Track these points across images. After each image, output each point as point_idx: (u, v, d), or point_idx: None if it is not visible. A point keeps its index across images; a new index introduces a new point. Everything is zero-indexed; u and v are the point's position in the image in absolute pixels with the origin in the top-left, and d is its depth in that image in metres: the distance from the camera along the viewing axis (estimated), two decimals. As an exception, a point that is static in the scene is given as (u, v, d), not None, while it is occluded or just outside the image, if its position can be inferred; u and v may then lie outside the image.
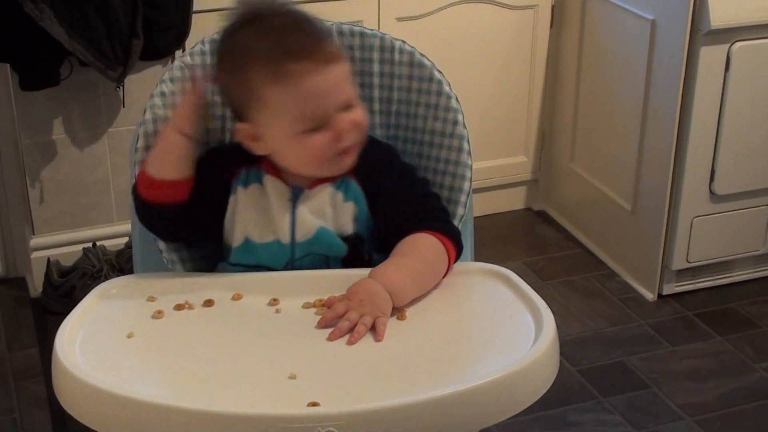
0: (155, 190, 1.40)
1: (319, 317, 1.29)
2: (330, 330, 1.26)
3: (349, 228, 1.42)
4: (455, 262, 1.41)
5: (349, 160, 1.39)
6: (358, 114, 1.38)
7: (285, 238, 1.40)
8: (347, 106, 1.36)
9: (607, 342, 2.43)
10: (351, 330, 1.25)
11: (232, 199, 1.43)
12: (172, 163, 1.40)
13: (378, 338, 1.25)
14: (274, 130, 1.37)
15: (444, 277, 1.39)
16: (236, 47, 1.37)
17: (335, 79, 1.35)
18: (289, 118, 1.35)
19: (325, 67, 1.34)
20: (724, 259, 2.62)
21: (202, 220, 1.42)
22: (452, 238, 1.40)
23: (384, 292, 1.29)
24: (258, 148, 1.40)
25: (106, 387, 1.13)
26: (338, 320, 1.27)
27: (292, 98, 1.33)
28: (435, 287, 1.37)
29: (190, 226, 1.43)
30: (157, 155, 1.41)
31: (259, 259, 1.41)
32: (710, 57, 2.37)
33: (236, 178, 1.43)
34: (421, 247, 1.38)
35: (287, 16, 1.38)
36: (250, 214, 1.42)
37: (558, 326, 1.25)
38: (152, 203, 1.41)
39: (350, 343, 1.24)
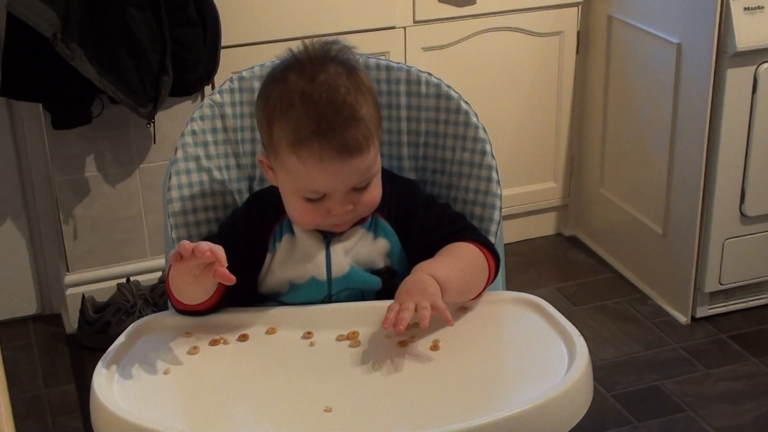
0: (187, 308, 1.39)
1: (353, 349, 1.30)
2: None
3: (380, 263, 1.44)
4: (496, 272, 1.43)
5: (339, 228, 1.41)
6: (367, 196, 1.39)
7: (321, 275, 1.42)
8: (358, 189, 1.38)
9: (641, 366, 2.42)
10: (411, 317, 1.26)
11: (269, 257, 1.45)
12: (199, 295, 1.37)
13: (445, 316, 1.26)
14: (280, 177, 1.40)
15: (487, 284, 1.41)
16: (272, 97, 1.37)
17: (351, 171, 1.35)
18: (293, 181, 1.37)
19: (345, 158, 1.33)
20: (757, 280, 2.60)
21: (240, 286, 1.37)
22: (488, 247, 1.43)
23: (430, 278, 1.31)
24: (271, 179, 1.43)
25: (144, 423, 1.14)
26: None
27: (301, 171, 1.35)
28: (469, 309, 1.38)
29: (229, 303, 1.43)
30: (181, 288, 1.36)
31: (300, 297, 1.43)
32: (737, 79, 2.37)
33: (272, 237, 1.45)
34: (461, 250, 1.40)
35: (329, 82, 1.35)
36: (289, 262, 1.44)
37: (591, 351, 1.25)
38: (188, 313, 1.41)
39: (424, 325, 1.25)
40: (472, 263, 1.40)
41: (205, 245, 1.26)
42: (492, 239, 1.50)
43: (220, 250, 1.27)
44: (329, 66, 1.37)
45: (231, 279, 1.27)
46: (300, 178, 1.36)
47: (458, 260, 1.38)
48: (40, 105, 2.42)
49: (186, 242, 1.26)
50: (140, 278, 2.58)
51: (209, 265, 1.28)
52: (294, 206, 1.40)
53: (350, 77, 1.37)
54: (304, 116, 1.33)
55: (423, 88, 1.56)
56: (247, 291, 1.32)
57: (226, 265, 1.27)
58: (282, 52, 1.42)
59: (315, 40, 1.41)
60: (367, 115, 1.36)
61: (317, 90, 1.34)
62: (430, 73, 1.57)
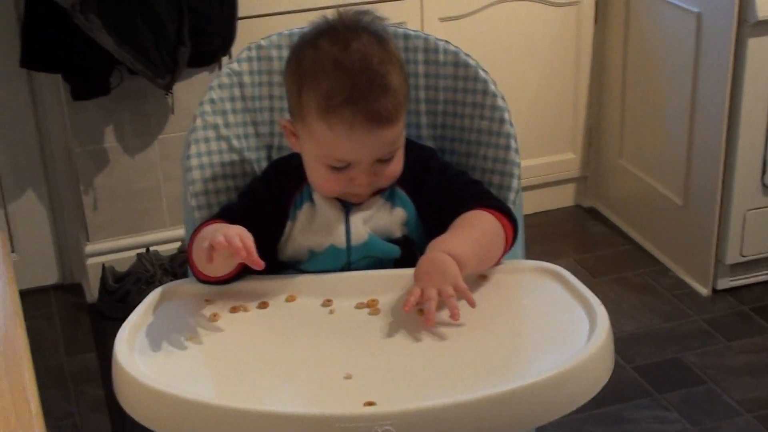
0: (208, 279, 1.39)
1: (372, 317, 1.30)
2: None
3: (398, 232, 1.44)
4: (514, 237, 1.41)
5: (358, 198, 1.41)
6: (390, 168, 1.39)
7: (341, 243, 1.42)
8: (382, 160, 1.38)
9: (662, 338, 2.41)
10: (437, 305, 1.25)
11: (289, 225, 1.45)
12: (222, 270, 1.36)
13: (453, 318, 1.26)
14: (305, 145, 1.40)
15: (506, 250, 1.40)
16: (304, 62, 1.36)
17: (378, 141, 1.35)
18: (319, 148, 1.37)
19: (375, 128, 1.33)
20: (778, 252, 2.59)
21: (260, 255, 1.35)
22: (505, 212, 1.41)
23: (447, 257, 1.30)
24: (294, 145, 1.43)
25: (166, 389, 1.15)
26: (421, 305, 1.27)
27: (329, 138, 1.34)
28: (489, 279, 1.38)
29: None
30: (206, 264, 1.32)
31: (320, 266, 1.43)
32: (758, 48, 2.35)
33: (292, 205, 1.45)
34: (475, 219, 1.39)
35: (362, 50, 1.34)
36: (309, 230, 1.44)
37: (611, 323, 1.25)
38: (210, 283, 1.40)
39: (455, 318, 1.25)
40: (488, 232, 1.38)
41: (238, 240, 1.26)
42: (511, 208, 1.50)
43: (250, 240, 1.28)
44: (362, 34, 1.36)
45: (260, 265, 1.28)
46: (327, 146, 1.35)
47: (473, 231, 1.37)
48: (60, 76, 2.42)
49: (221, 239, 1.25)
50: (159, 248, 2.60)
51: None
52: (317, 174, 1.40)
53: (382, 47, 1.36)
54: (337, 83, 1.32)
55: (441, 57, 1.55)
56: (266, 259, 1.32)
57: (255, 252, 1.27)
58: (299, 23, 1.42)
59: (347, 8, 1.41)
60: (398, 85, 1.36)
61: (350, 58, 1.33)
62: (447, 41, 1.56)
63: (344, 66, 1.33)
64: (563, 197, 3.06)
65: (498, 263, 1.40)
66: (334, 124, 1.33)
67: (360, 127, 1.32)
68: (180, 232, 2.62)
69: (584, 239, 2.90)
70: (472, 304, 1.27)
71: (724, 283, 2.58)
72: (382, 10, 2.60)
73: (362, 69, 1.33)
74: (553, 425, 2.09)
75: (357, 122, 1.32)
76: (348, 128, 1.32)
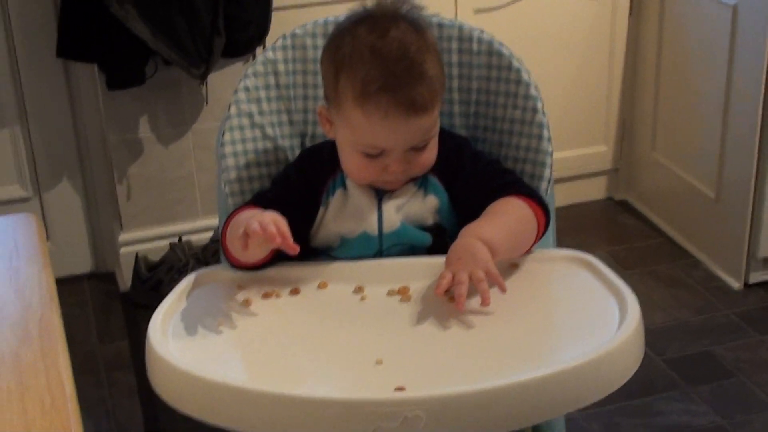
0: (242, 265, 1.40)
1: (403, 304, 1.31)
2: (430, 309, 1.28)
3: (430, 220, 1.44)
4: (546, 225, 1.42)
5: (391, 186, 1.42)
6: (424, 156, 1.39)
7: (373, 230, 1.43)
8: (416, 148, 1.38)
9: (693, 331, 2.40)
10: (467, 289, 1.26)
11: (321, 211, 1.46)
12: (257, 256, 1.35)
13: (500, 285, 1.27)
14: (340, 131, 1.41)
15: (537, 237, 1.40)
16: (342, 49, 1.37)
17: (413, 129, 1.35)
18: (353, 135, 1.38)
19: (411, 116, 1.33)
20: (811, 246, 2.57)
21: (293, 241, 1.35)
22: (537, 200, 1.41)
23: (479, 242, 1.30)
24: (329, 132, 1.44)
25: (200, 373, 1.15)
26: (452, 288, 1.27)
27: (364, 125, 1.35)
28: (520, 267, 1.38)
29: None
30: (239, 247, 1.32)
31: (351, 252, 1.44)
32: (795, 41, 2.33)
33: (325, 191, 1.46)
34: (507, 206, 1.39)
35: (400, 38, 1.35)
36: (341, 216, 1.45)
37: (642, 316, 1.24)
38: (243, 268, 1.41)
39: (485, 303, 1.25)
40: (520, 219, 1.39)
41: (273, 227, 1.26)
42: (543, 198, 1.50)
43: (285, 225, 1.28)
44: (400, 23, 1.37)
45: (295, 249, 1.28)
46: (361, 133, 1.36)
47: (505, 218, 1.37)
48: (96, 66, 2.44)
49: (256, 226, 1.26)
50: (192, 238, 2.61)
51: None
52: (351, 160, 1.40)
53: (419, 36, 1.37)
54: (374, 70, 1.33)
55: (474, 46, 1.55)
56: (299, 245, 1.33)
57: (291, 238, 1.28)
58: (334, 14, 1.42)
59: None
60: (434, 74, 1.36)
61: (388, 45, 1.34)
62: (482, 30, 1.56)
63: (381, 53, 1.34)
64: (595, 190, 3.05)
65: (529, 251, 1.41)
66: (369, 110, 1.33)
67: (395, 114, 1.33)
68: (213, 221, 2.64)
69: (616, 232, 2.89)
70: (503, 289, 1.28)
71: (756, 277, 2.57)
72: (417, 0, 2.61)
73: (399, 57, 1.34)
74: (583, 416, 2.11)
75: (392, 109, 1.32)
76: (383, 115, 1.33)
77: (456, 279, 1.27)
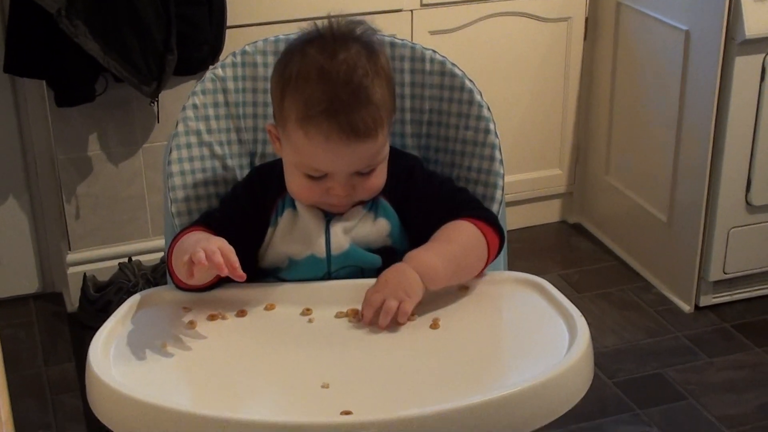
0: (188, 287, 1.37)
1: (351, 327, 1.29)
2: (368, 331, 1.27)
3: (380, 243, 1.43)
4: (500, 246, 1.41)
5: (337, 209, 1.40)
6: (370, 182, 1.38)
7: (321, 252, 1.41)
8: (361, 174, 1.37)
9: (644, 354, 2.41)
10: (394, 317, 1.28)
11: (270, 231, 1.44)
12: (201, 279, 1.33)
13: (401, 320, 1.27)
14: (285, 150, 1.39)
15: (489, 260, 1.39)
16: (290, 67, 1.35)
17: (356, 154, 1.34)
18: (297, 155, 1.36)
19: (352, 141, 1.32)
20: (761, 269, 2.59)
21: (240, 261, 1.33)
22: (489, 222, 1.40)
23: (413, 273, 1.30)
24: (278, 150, 1.42)
25: (140, 396, 1.13)
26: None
27: (306, 147, 1.34)
28: (470, 289, 1.37)
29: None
30: (184, 273, 1.30)
31: (299, 274, 1.42)
32: (745, 67, 2.35)
33: (274, 211, 1.44)
34: (456, 231, 1.38)
35: (348, 61, 1.33)
36: (289, 237, 1.43)
37: (594, 338, 1.24)
38: (188, 290, 1.39)
39: (381, 326, 1.27)
40: (468, 245, 1.37)
41: (219, 256, 1.25)
42: (495, 219, 1.49)
43: (232, 254, 1.26)
44: (351, 45, 1.35)
45: (243, 278, 1.27)
46: (304, 154, 1.35)
47: (451, 245, 1.36)
48: (44, 82, 2.41)
49: (201, 255, 1.24)
50: (142, 258, 2.58)
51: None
52: (294, 180, 1.39)
53: (370, 60, 1.35)
54: (318, 92, 1.31)
55: (427, 66, 1.55)
56: (247, 266, 1.31)
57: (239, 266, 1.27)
58: (287, 32, 1.40)
59: (341, 18, 1.39)
60: (381, 100, 1.34)
61: (336, 68, 1.32)
62: (434, 50, 1.55)
63: (329, 75, 1.32)
64: (549, 213, 3.06)
65: (481, 275, 1.39)
66: (311, 133, 1.32)
67: (337, 138, 1.31)
68: (163, 242, 2.60)
69: (569, 255, 2.90)
70: (398, 323, 1.28)
71: (706, 300, 2.58)
72: (372, 22, 2.61)
73: (346, 80, 1.32)
74: (534, 440, 2.09)
75: (333, 133, 1.31)
76: (324, 138, 1.31)
77: (367, 300, 1.27)
